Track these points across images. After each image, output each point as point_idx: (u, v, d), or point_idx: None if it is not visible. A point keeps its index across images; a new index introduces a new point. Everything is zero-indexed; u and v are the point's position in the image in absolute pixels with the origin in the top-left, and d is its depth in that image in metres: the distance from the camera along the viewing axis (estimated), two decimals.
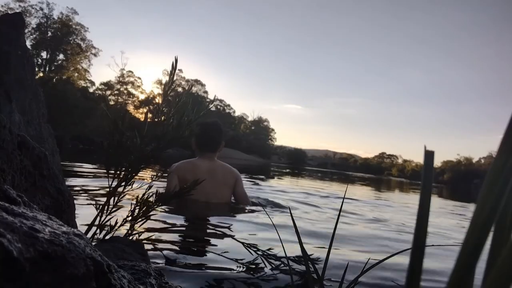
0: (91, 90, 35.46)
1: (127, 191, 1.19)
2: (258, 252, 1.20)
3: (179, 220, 1.97)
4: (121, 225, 1.17)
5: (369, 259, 1.00)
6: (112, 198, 1.17)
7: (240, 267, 1.20)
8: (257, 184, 5.28)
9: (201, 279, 1.11)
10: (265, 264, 1.17)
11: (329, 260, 0.74)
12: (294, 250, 1.47)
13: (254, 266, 1.18)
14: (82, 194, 2.51)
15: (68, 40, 33.72)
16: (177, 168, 2.60)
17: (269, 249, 1.21)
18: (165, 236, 1.54)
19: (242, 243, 1.22)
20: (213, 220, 2.11)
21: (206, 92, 48.46)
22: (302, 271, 1.18)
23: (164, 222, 1.85)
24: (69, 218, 1.03)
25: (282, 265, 1.18)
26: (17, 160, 0.88)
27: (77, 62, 34.38)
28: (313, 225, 2.31)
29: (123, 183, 1.18)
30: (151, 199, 1.19)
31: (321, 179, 10.81)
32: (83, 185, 3.00)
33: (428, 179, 0.32)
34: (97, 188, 2.88)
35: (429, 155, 0.32)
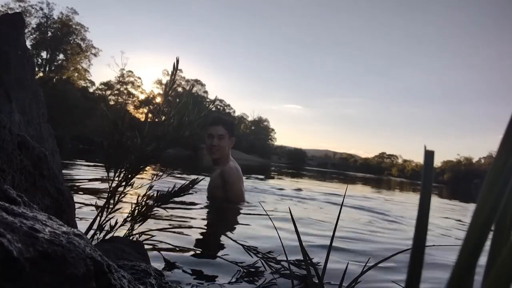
0: (91, 90, 35.48)
1: (128, 191, 1.19)
2: (258, 255, 1.19)
3: (179, 221, 1.97)
4: (121, 225, 1.17)
5: (369, 259, 1.00)
6: (112, 198, 1.17)
7: (240, 270, 1.20)
8: (257, 184, 5.28)
9: (201, 281, 1.11)
10: (265, 268, 1.17)
11: (329, 260, 0.74)
12: (294, 251, 1.47)
13: (254, 270, 1.18)
14: (82, 194, 2.51)
15: (68, 40, 33.72)
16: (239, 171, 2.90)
17: (269, 252, 1.20)
18: (165, 237, 1.54)
19: (242, 245, 1.22)
20: (216, 220, 2.11)
21: (206, 92, 48.52)
22: (302, 275, 1.18)
23: (165, 223, 1.85)
24: (69, 218, 1.03)
25: (282, 268, 1.17)
26: (17, 160, 0.88)
27: (77, 62, 34.38)
28: (313, 224, 2.31)
29: (123, 183, 1.18)
30: (151, 199, 1.19)
31: (321, 179, 10.81)
32: (83, 185, 3.00)
33: (428, 179, 0.32)
34: (97, 188, 2.88)
35: (429, 155, 0.32)
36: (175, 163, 8.67)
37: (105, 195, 1.18)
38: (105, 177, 1.21)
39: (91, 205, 2.09)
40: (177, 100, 1.22)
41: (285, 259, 1.01)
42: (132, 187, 1.20)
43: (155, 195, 1.20)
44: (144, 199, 1.19)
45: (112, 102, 38.29)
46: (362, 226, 2.50)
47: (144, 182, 1.27)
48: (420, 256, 0.31)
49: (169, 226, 1.77)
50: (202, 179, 1.28)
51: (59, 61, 34.11)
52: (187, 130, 1.20)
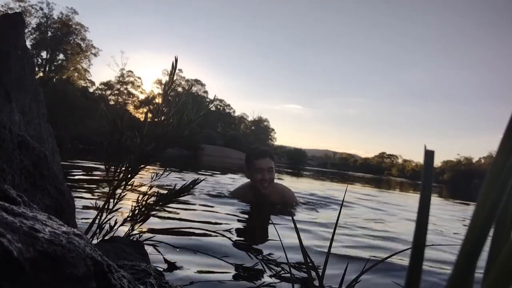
0: (91, 90, 35.43)
1: (127, 191, 1.19)
2: (259, 257, 1.19)
3: (180, 221, 1.97)
4: (121, 225, 1.17)
5: (369, 259, 1.00)
6: (112, 198, 1.17)
7: (240, 271, 1.20)
8: None
9: (201, 281, 1.11)
10: (265, 270, 1.17)
11: (329, 260, 0.74)
12: (295, 252, 1.47)
13: (254, 271, 1.18)
14: (82, 194, 2.51)
15: (68, 40, 33.67)
16: None
17: (269, 254, 1.20)
18: (165, 237, 1.54)
19: (243, 246, 1.22)
20: (217, 221, 2.11)
21: (206, 92, 48.45)
22: (302, 278, 1.18)
23: (165, 223, 1.85)
24: (69, 218, 1.03)
25: (283, 271, 1.17)
26: (17, 160, 0.88)
27: (77, 62, 34.34)
28: (314, 225, 2.31)
29: (123, 183, 1.18)
30: (151, 199, 1.19)
31: (321, 179, 10.81)
32: (83, 185, 3.00)
33: (428, 179, 0.32)
34: (97, 188, 2.88)
35: (429, 155, 0.32)
36: (174, 163, 8.68)
37: (105, 195, 1.18)
38: (105, 177, 1.21)
39: (91, 205, 2.09)
40: (177, 99, 1.22)
41: (286, 261, 1.01)
42: (132, 187, 1.20)
43: (155, 194, 1.20)
44: (144, 199, 1.19)
45: (112, 102, 38.25)
46: (362, 226, 2.50)
47: (144, 181, 1.27)
48: (420, 256, 0.31)
49: (169, 226, 1.77)
50: (203, 179, 1.28)
51: (59, 61, 34.07)
52: (187, 129, 1.20)
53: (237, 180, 5.15)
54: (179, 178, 4.42)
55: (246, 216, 2.42)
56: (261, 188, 2.76)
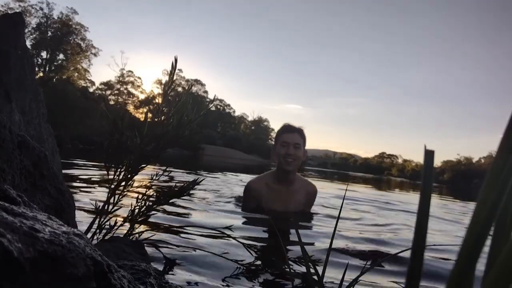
0: (91, 90, 35.45)
1: (127, 190, 1.19)
2: (259, 254, 1.20)
3: (179, 221, 1.97)
4: (121, 225, 1.17)
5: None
6: (112, 198, 1.17)
7: (240, 268, 1.20)
8: None
9: (201, 280, 1.11)
10: (265, 267, 1.17)
11: (329, 260, 0.74)
12: (295, 251, 1.48)
13: (254, 268, 1.18)
14: (82, 194, 2.51)
15: (68, 40, 33.67)
16: None
17: (270, 251, 1.21)
18: (165, 236, 1.54)
19: (243, 244, 1.22)
20: (217, 221, 2.11)
21: (206, 92, 48.50)
22: (302, 273, 1.18)
23: (165, 222, 1.85)
24: (69, 218, 1.03)
25: (283, 267, 1.18)
26: (17, 160, 0.88)
27: (77, 62, 34.34)
28: (314, 225, 2.30)
29: (123, 183, 1.18)
30: (151, 199, 1.19)
31: (321, 179, 10.81)
32: (83, 185, 3.00)
33: (428, 178, 0.32)
34: (97, 188, 2.88)
35: (429, 155, 0.32)
36: (174, 163, 8.68)
37: (105, 195, 1.18)
38: (105, 177, 1.21)
39: (91, 205, 2.09)
40: (177, 99, 1.22)
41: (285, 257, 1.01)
42: (132, 187, 1.20)
43: (155, 194, 1.20)
44: (144, 199, 1.19)
45: (112, 102, 38.28)
46: (362, 226, 2.50)
47: (144, 181, 1.27)
48: (420, 256, 0.31)
49: (169, 226, 1.77)
50: (203, 179, 1.28)
51: (59, 61, 34.07)
52: (187, 129, 1.20)
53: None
54: (182, 177, 4.42)
55: (249, 214, 2.42)
56: (284, 164, 2.49)
